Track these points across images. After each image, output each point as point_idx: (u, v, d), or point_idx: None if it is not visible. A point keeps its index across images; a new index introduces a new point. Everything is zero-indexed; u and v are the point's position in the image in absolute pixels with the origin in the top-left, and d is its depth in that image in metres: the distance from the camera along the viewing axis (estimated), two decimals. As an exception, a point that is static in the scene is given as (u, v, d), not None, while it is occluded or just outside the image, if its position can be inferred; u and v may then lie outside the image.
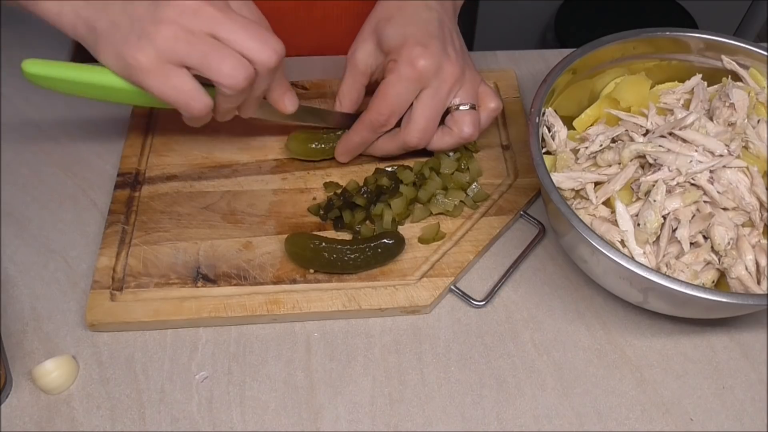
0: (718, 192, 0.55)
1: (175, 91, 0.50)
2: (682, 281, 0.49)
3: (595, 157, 0.60)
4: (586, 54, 0.62)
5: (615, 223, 0.55)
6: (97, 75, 0.53)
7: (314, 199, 0.65)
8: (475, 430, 0.54)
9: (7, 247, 0.63)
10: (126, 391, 0.55)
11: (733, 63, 0.64)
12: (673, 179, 0.56)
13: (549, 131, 0.61)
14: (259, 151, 0.69)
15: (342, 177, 0.67)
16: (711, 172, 0.56)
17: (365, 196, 0.63)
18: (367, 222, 0.63)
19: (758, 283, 0.54)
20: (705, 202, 0.56)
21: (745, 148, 0.58)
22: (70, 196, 0.66)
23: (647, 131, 0.60)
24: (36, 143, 0.70)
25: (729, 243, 0.53)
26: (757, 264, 0.54)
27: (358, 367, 0.57)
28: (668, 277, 0.49)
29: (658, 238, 0.55)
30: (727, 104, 0.60)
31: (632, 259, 0.50)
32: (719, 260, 0.54)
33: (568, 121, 0.64)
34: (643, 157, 0.57)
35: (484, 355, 0.57)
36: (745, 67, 0.64)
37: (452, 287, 0.60)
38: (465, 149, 0.67)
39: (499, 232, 0.63)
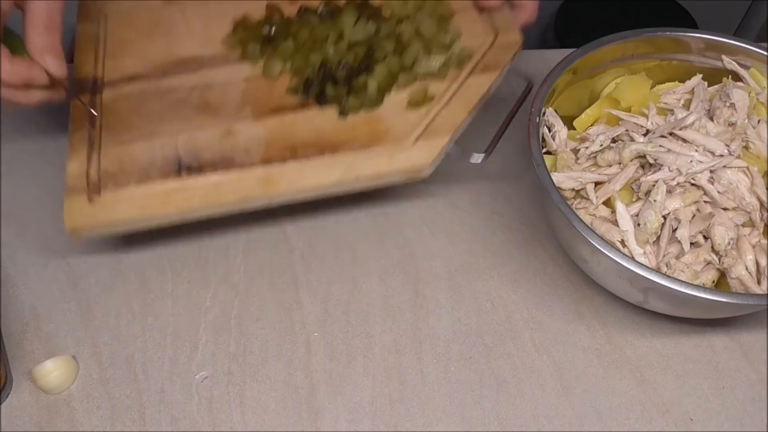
0: (719, 192, 0.55)
1: None
2: (682, 281, 0.49)
3: (595, 157, 0.60)
4: (586, 54, 0.62)
5: (615, 223, 0.55)
6: None
7: (291, 80, 0.63)
8: (475, 430, 0.54)
9: (7, 247, 0.63)
10: (126, 391, 0.55)
11: (734, 63, 0.64)
12: (674, 179, 0.56)
13: (549, 131, 0.61)
14: (223, 43, 0.66)
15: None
16: (711, 172, 0.56)
17: (345, 69, 0.62)
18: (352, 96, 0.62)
19: (758, 283, 0.54)
20: (705, 202, 0.56)
21: (746, 148, 0.58)
22: (70, 196, 0.66)
23: (647, 131, 0.60)
24: (36, 143, 0.70)
25: (729, 243, 0.53)
26: (758, 264, 0.54)
27: (358, 367, 0.57)
28: (668, 277, 0.49)
29: (658, 238, 0.55)
30: (727, 104, 0.60)
31: (632, 259, 0.50)
32: (719, 260, 0.54)
33: (569, 121, 0.64)
34: (644, 157, 0.57)
35: (484, 355, 0.57)
36: (746, 67, 0.64)
37: (450, 147, 0.59)
38: (442, 14, 0.66)
39: (488, 89, 0.62)
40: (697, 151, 0.56)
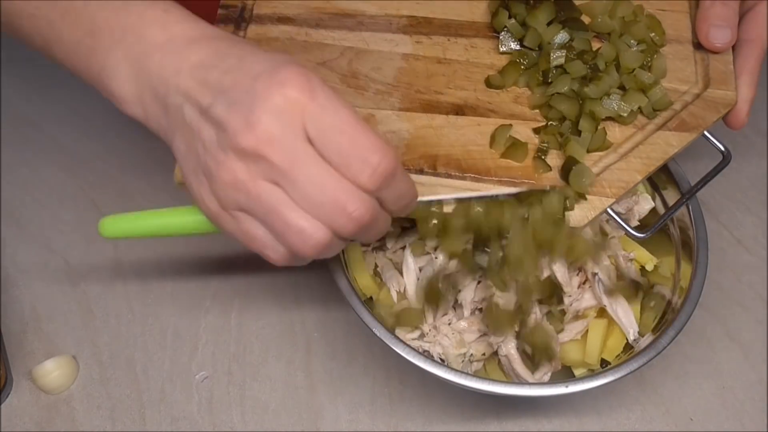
0: None
1: (247, 238, 0.40)
2: (399, 341, 0.46)
3: None
4: None
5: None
6: (178, 218, 0.48)
7: (455, 71, 0.54)
8: (475, 429, 0.54)
9: (7, 247, 0.63)
10: (126, 391, 0.55)
11: None
12: None
13: None
14: (391, 4, 0.57)
15: (494, 56, 0.54)
16: None
17: None
18: None
19: (535, 369, 0.50)
20: None
21: None
22: (70, 196, 0.66)
23: None
24: (36, 143, 0.70)
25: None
26: None
27: (358, 366, 0.57)
28: (391, 334, 0.47)
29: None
30: None
31: (369, 312, 0.48)
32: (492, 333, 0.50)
33: None
34: None
35: (484, 355, 0.57)
36: None
37: (609, 210, 0.49)
38: (652, 41, 0.54)
39: (675, 153, 0.51)
40: None
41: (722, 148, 0.53)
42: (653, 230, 0.50)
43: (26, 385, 0.55)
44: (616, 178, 0.50)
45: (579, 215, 0.49)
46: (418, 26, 0.56)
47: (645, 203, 0.56)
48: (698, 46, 0.55)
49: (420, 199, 0.44)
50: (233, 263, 0.62)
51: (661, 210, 0.57)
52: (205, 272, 0.61)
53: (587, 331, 0.52)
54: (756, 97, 0.71)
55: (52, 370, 0.54)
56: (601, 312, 0.52)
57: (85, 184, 0.67)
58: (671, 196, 0.55)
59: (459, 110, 0.52)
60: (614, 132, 0.51)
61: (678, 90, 0.53)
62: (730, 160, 0.53)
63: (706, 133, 0.52)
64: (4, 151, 0.69)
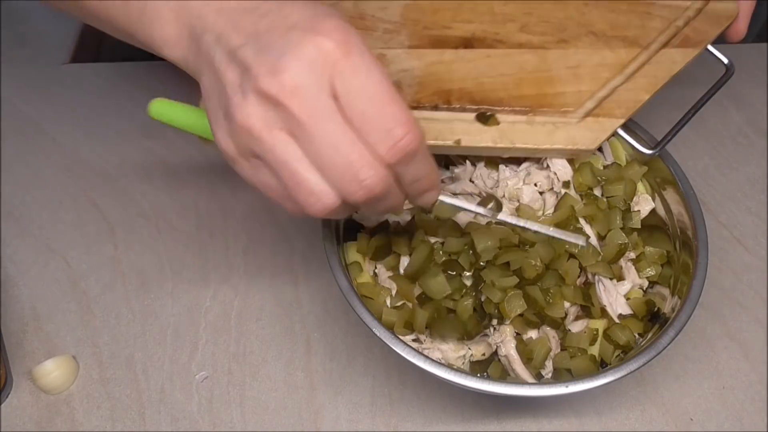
0: None
1: (262, 187, 0.39)
2: (397, 338, 0.46)
3: None
4: None
5: None
6: None
7: (460, 5, 0.54)
8: (475, 429, 0.54)
9: (7, 247, 0.63)
10: (126, 391, 0.55)
11: None
12: None
13: None
14: None
15: None
16: None
17: None
18: None
19: (541, 368, 0.50)
20: None
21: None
22: (70, 196, 0.66)
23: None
24: (36, 143, 0.70)
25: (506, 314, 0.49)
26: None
27: (358, 366, 0.57)
28: (391, 334, 0.46)
29: None
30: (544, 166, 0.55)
31: (369, 312, 0.47)
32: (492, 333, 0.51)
33: None
34: None
35: (484, 355, 0.57)
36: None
37: (619, 131, 0.51)
38: None
39: (680, 69, 0.53)
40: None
41: (725, 61, 0.54)
42: (662, 146, 0.52)
43: (26, 385, 0.55)
44: (624, 99, 0.51)
45: (590, 137, 0.50)
46: None
47: (645, 203, 0.56)
48: None
49: (441, 198, 0.43)
50: (233, 262, 0.62)
51: (661, 210, 0.57)
52: (205, 272, 0.61)
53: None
54: (756, 97, 0.71)
55: (52, 370, 0.54)
56: (602, 312, 0.52)
57: (85, 184, 0.67)
58: (671, 196, 0.55)
59: (467, 43, 0.53)
60: (619, 53, 0.53)
61: (680, 6, 0.55)
62: (733, 73, 0.55)
63: (709, 47, 0.54)
64: (4, 151, 0.69)
